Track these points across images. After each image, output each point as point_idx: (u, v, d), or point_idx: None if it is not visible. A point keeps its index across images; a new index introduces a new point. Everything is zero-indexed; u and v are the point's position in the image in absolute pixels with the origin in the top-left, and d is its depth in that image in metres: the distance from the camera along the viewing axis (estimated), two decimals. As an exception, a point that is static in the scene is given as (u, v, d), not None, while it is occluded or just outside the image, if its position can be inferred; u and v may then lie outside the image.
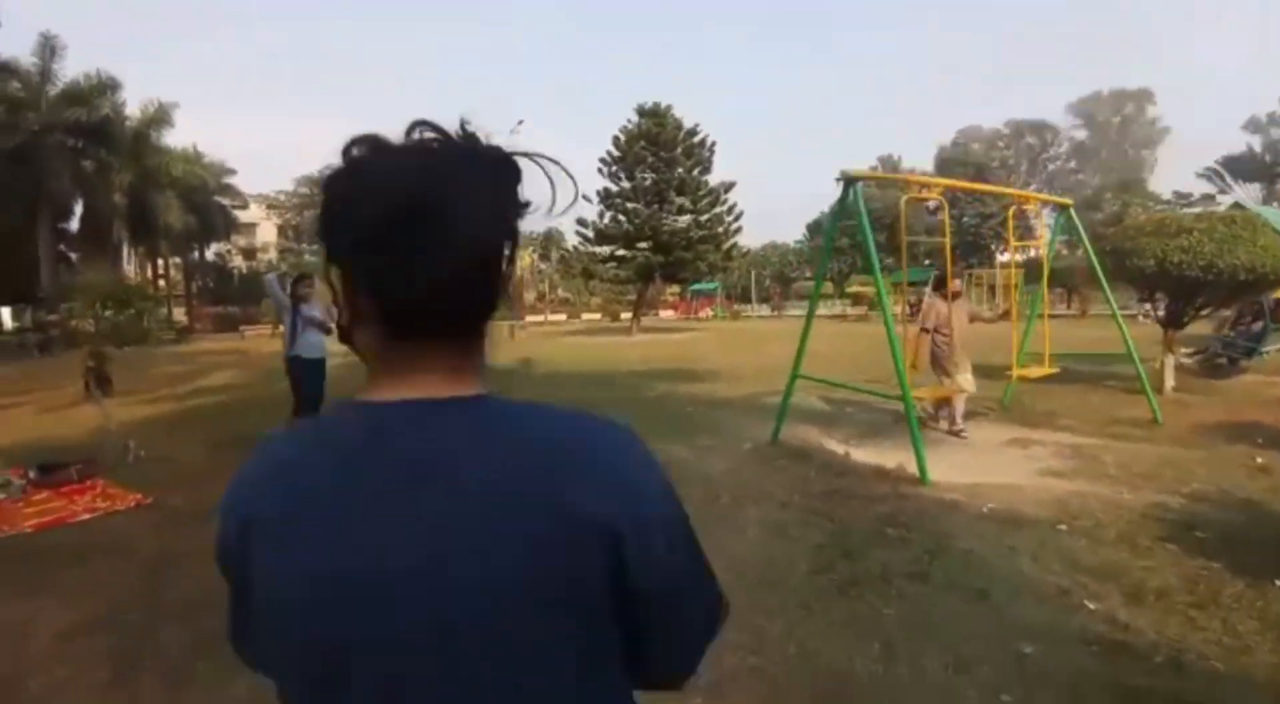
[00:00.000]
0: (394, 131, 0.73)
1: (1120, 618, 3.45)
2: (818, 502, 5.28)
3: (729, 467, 6.35)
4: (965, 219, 66.53)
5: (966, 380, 7.83)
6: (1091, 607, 3.57)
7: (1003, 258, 65.82)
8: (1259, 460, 6.38)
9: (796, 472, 6.07)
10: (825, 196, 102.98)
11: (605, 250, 31.23)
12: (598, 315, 49.94)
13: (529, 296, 56.97)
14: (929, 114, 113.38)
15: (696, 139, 30.52)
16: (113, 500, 5.88)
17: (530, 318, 45.87)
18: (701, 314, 46.64)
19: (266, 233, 64.17)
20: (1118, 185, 62.65)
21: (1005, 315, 8.68)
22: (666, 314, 49.88)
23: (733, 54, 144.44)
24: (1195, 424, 8.00)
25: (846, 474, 5.93)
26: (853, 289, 38.29)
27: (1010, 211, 10.38)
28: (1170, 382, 10.03)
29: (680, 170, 30.13)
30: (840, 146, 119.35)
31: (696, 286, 43.15)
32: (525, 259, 60.28)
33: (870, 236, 6.07)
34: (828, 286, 46.54)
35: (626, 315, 38.07)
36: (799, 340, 7.29)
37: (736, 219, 30.75)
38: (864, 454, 6.72)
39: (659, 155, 29.96)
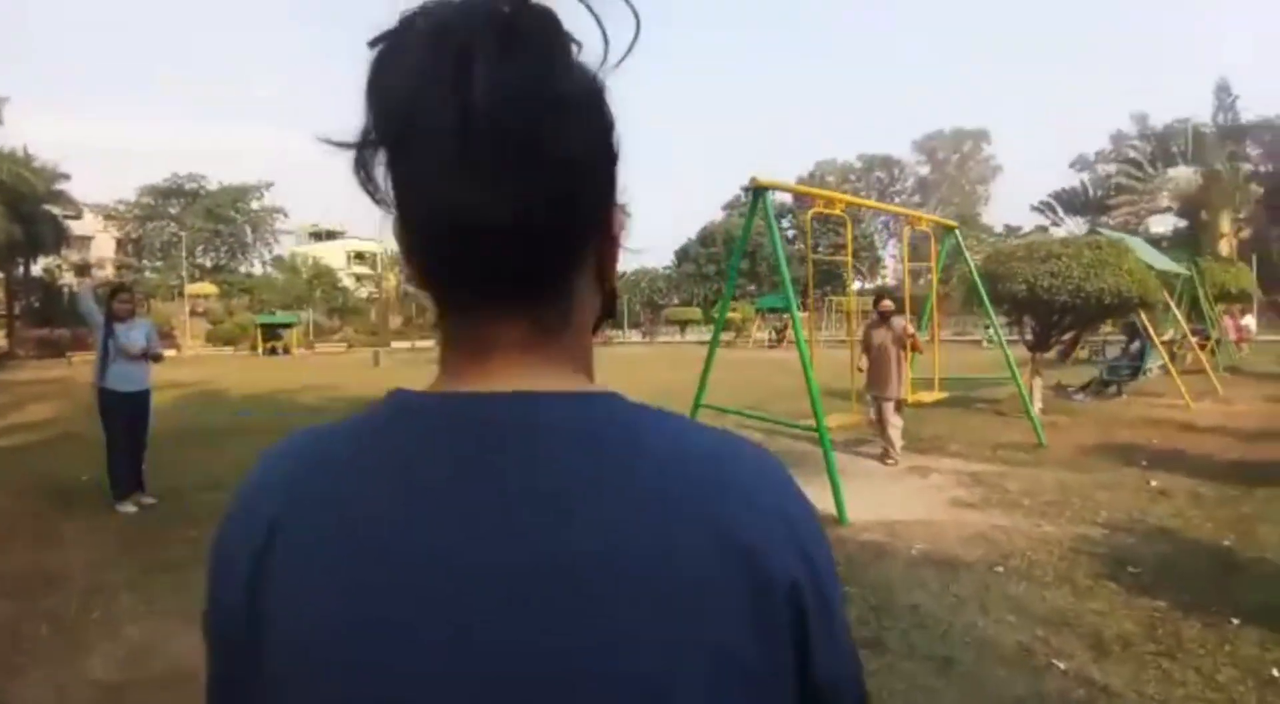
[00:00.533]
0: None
1: (1095, 677, 3.10)
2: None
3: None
4: (820, 248, 70.14)
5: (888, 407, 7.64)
6: (1061, 666, 3.20)
7: (855, 286, 70.20)
8: (1153, 484, 6.45)
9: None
10: (693, 221, 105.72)
11: None
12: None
13: (395, 320, 54.28)
14: (790, 146, 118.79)
15: None
16: None
17: (396, 343, 43.62)
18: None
19: (104, 246, 58.05)
20: (955, 218, 67.94)
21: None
22: None
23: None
24: (1076, 446, 8.17)
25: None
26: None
27: (905, 234, 10.38)
28: (1038, 404, 10.36)
29: None
30: (705, 175, 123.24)
31: None
32: (391, 280, 57.39)
33: (780, 247, 5.69)
34: (695, 312, 47.15)
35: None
36: (703, 368, 6.75)
37: None
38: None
39: None
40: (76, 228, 46.26)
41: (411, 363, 28.73)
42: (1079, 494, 6.09)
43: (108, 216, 56.80)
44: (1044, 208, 50.17)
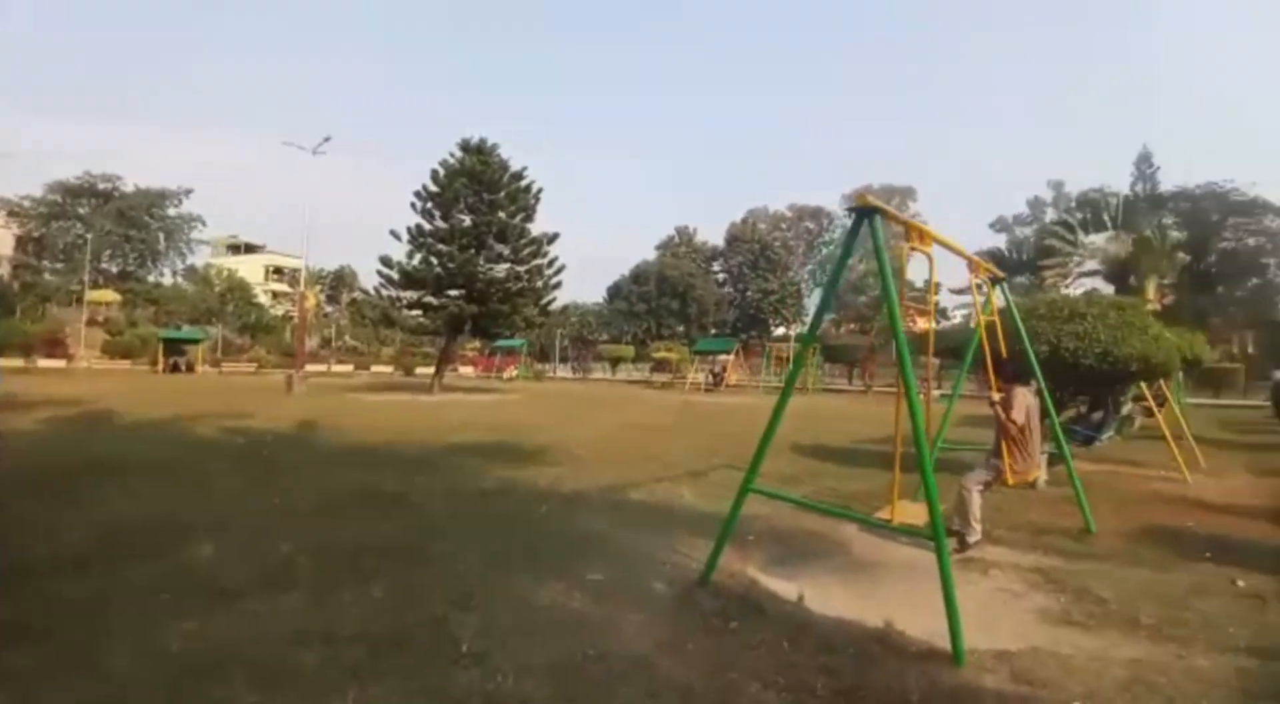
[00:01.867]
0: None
1: None
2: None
3: (656, 633, 4.11)
4: (749, 293, 70.62)
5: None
6: None
7: (778, 331, 70.97)
8: (1240, 583, 5.44)
9: (760, 642, 3.98)
10: (626, 260, 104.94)
11: (411, 295, 27.35)
12: (389, 368, 45.42)
13: (312, 342, 50.96)
14: (722, 192, 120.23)
15: (522, 183, 27.91)
16: None
17: (311, 367, 40.61)
18: (505, 373, 43.59)
19: (2, 243, 52.85)
20: (878, 272, 69.30)
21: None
22: (465, 371, 46.36)
23: (537, 113, 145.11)
24: (1119, 532, 7.11)
25: (836, 649, 3.95)
26: (659, 354, 37.64)
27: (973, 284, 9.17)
28: (1044, 475, 9.39)
29: (503, 214, 27.40)
30: (638, 214, 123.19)
31: (502, 343, 40.27)
32: (311, 299, 54.08)
33: (889, 277, 4.39)
34: (628, 350, 45.97)
35: (423, 370, 34.52)
36: (769, 422, 5.24)
37: (557, 273, 28.23)
38: (820, 597, 4.86)
39: (480, 196, 27.21)
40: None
41: (327, 390, 26.30)
42: (1178, 603, 4.94)
43: (10, 213, 51.94)
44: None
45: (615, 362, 43.86)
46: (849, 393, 34.42)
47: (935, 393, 33.00)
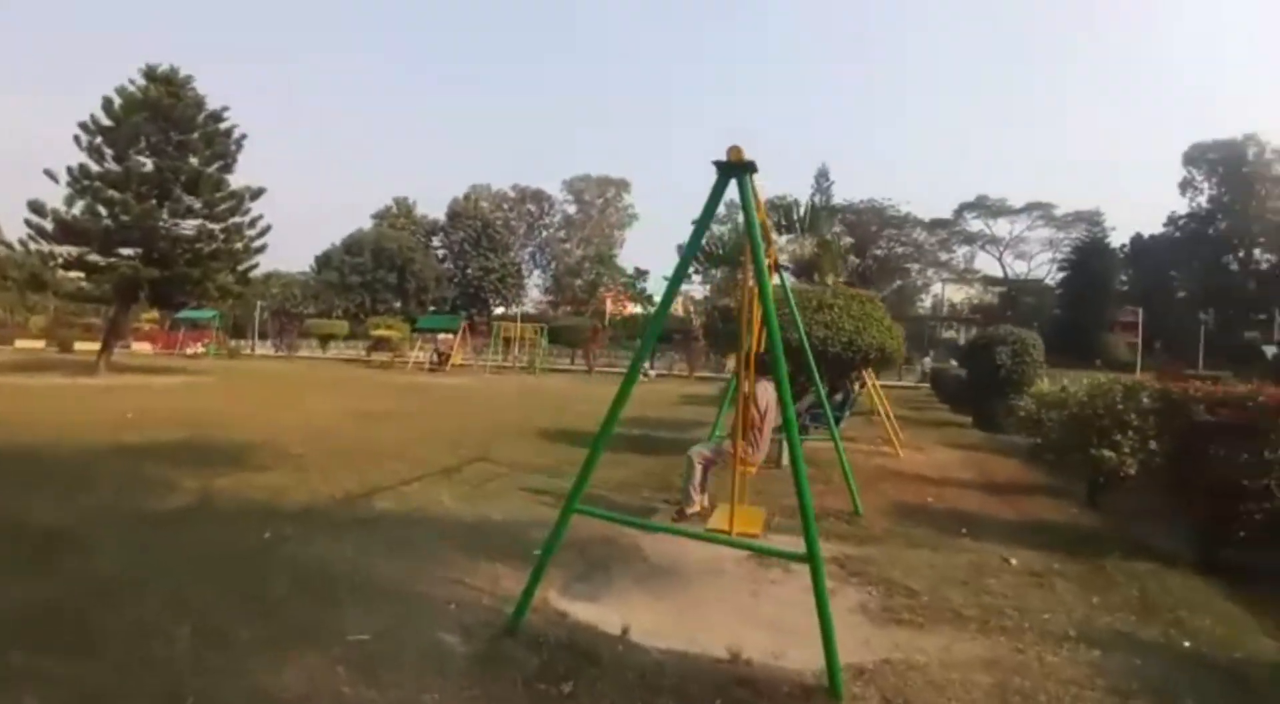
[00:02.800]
0: None
1: None
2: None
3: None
4: (470, 271, 68.56)
5: None
6: None
7: (498, 310, 70.03)
8: (1013, 562, 5.70)
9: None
10: (338, 227, 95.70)
11: (71, 252, 21.29)
12: (40, 343, 36.21)
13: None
14: (446, 166, 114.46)
15: (221, 126, 22.98)
16: None
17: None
18: (191, 350, 36.82)
19: None
20: (595, 257, 71.61)
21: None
22: (141, 347, 38.28)
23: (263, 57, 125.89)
24: (883, 511, 7.30)
25: (699, 702, 3.13)
26: (378, 331, 34.45)
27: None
28: (785, 458, 9.65)
29: (195, 160, 22.37)
30: (353, 180, 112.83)
31: (187, 314, 33.63)
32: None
33: (759, 242, 3.58)
34: (342, 326, 41.68)
35: (87, 346, 27.89)
36: (604, 421, 4.18)
37: (261, 234, 23.55)
38: (642, 621, 4.02)
39: (167, 135, 22.01)
40: None
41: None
42: (978, 588, 4.95)
43: None
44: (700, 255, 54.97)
45: (326, 339, 39.31)
46: (573, 373, 34.53)
47: (696, 375, 34.27)
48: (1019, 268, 68.30)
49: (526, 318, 41.34)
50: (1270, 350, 26.70)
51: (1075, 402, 8.74)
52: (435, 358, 31.37)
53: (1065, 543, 6.26)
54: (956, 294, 72.58)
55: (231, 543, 5.13)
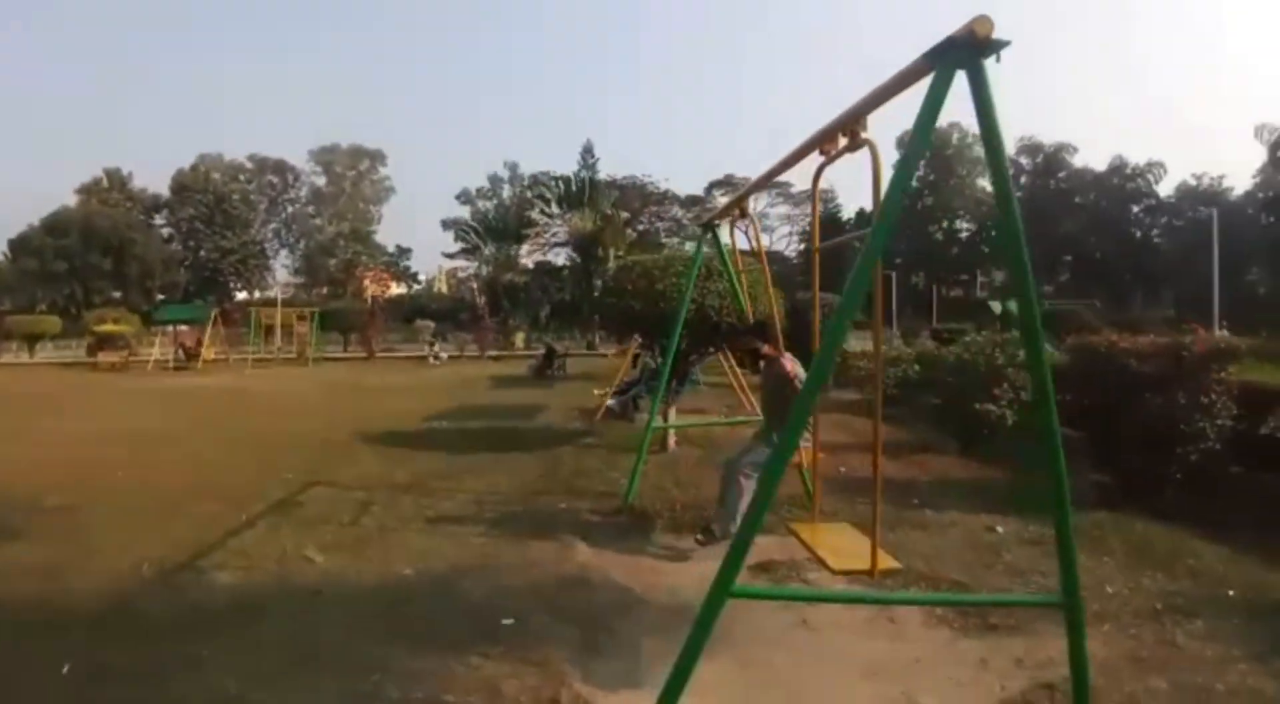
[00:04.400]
0: None
1: None
2: None
3: None
4: (204, 253, 59.22)
5: None
6: None
7: (240, 295, 61.38)
8: (1000, 530, 5.25)
9: None
10: (36, 204, 76.34)
11: None
12: None
13: None
14: (166, 132, 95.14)
15: None
16: None
17: None
18: None
19: None
20: (351, 234, 65.32)
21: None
22: None
23: None
24: (825, 492, 6.56)
25: None
26: (104, 327, 27.83)
27: None
28: (673, 439, 8.70)
29: None
30: (49, 149, 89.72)
31: None
32: None
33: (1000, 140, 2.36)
34: (52, 322, 33.30)
35: None
36: None
37: None
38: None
39: None
40: None
41: None
42: (1006, 568, 4.41)
43: None
44: (469, 230, 51.93)
45: (33, 339, 30.89)
46: (351, 361, 30.73)
47: (488, 355, 31.71)
48: (764, 241, 73.73)
49: (271, 302, 35.99)
50: (996, 307, 30.90)
51: (956, 359, 8.76)
52: (183, 355, 26.13)
53: (1010, 503, 5.91)
54: (713, 265, 76.74)
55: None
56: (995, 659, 3.35)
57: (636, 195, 62.12)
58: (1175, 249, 39.58)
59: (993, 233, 53.59)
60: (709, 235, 6.14)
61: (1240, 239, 33.25)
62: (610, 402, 10.98)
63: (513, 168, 62.10)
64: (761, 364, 5.33)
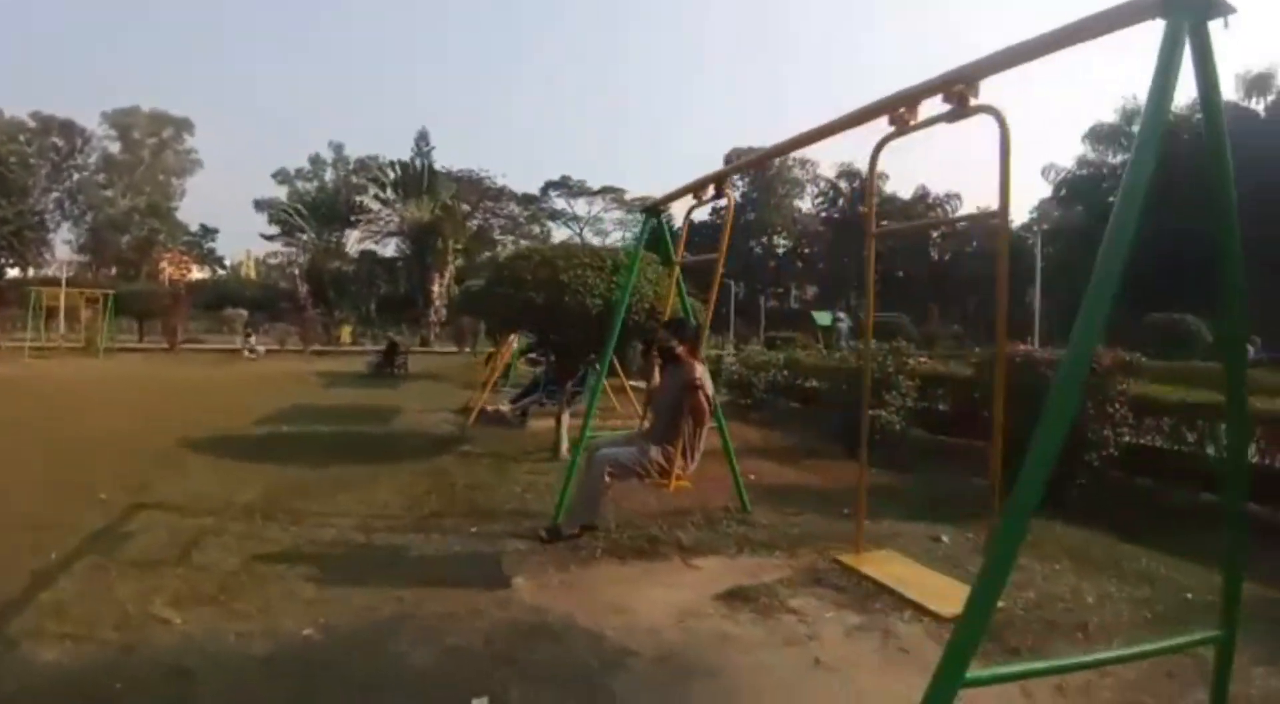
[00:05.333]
0: None
1: None
2: None
3: None
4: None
5: None
6: None
7: (12, 272, 51.44)
8: (945, 539, 5.05)
9: None
10: None
11: None
12: None
13: None
14: None
15: None
16: None
17: None
18: None
19: None
20: (148, 209, 57.34)
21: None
22: None
23: None
24: (754, 500, 6.07)
25: None
26: None
27: None
28: (565, 445, 7.90)
29: None
30: None
31: None
32: None
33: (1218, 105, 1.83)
34: None
35: None
36: None
37: None
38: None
39: None
40: None
41: None
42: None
43: None
44: (289, 213, 46.95)
45: None
46: (150, 352, 26.52)
47: (312, 350, 28.31)
48: (596, 244, 73.95)
49: (49, 282, 30.33)
50: (821, 318, 32.74)
51: (847, 365, 8.73)
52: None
53: (933, 510, 5.84)
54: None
55: None
56: (1030, 683, 3.04)
57: (473, 189, 59.56)
58: (965, 272, 44.43)
59: (805, 249, 57.74)
60: (653, 222, 5.46)
61: (1021, 265, 38.02)
62: (505, 407, 9.95)
63: (338, 149, 57.61)
64: (660, 364, 4.92)
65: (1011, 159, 2.27)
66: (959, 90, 2.36)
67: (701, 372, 4.53)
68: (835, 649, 3.35)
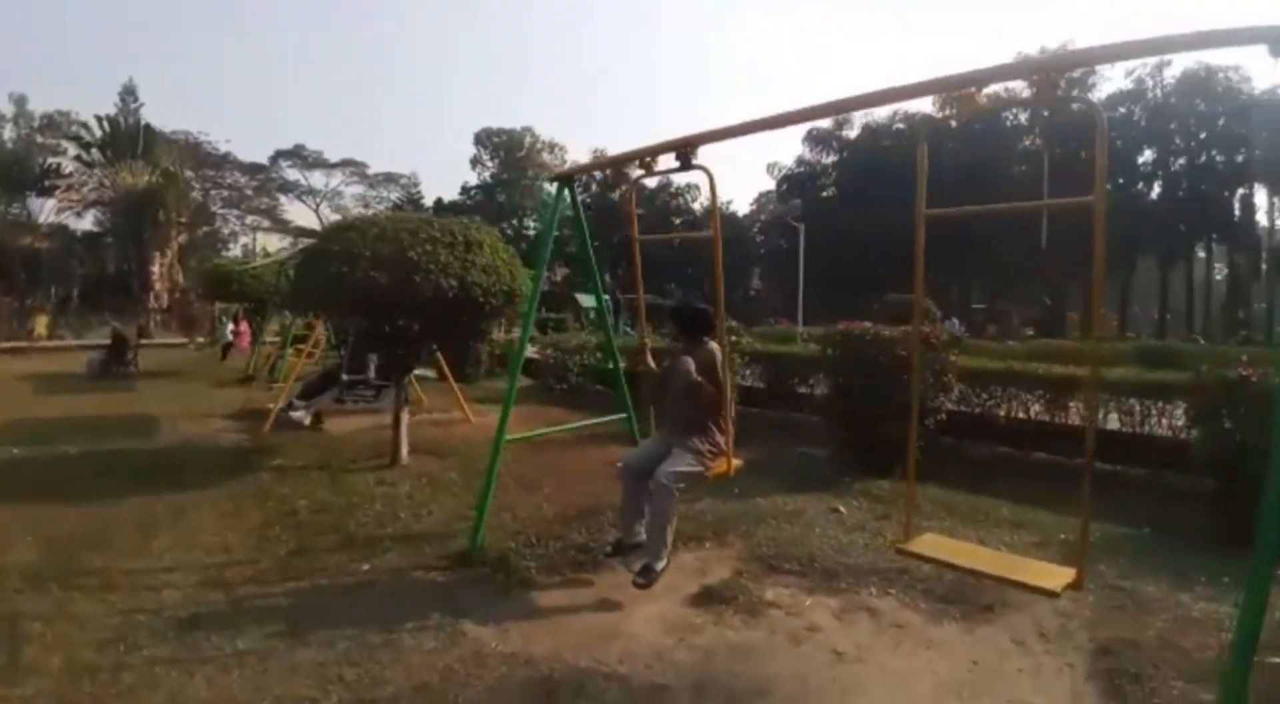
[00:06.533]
0: None
1: None
2: None
3: None
4: None
5: None
6: None
7: None
8: (843, 510, 5.20)
9: None
10: None
11: None
12: None
13: None
14: None
15: None
16: None
17: None
18: None
19: None
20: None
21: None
22: None
23: None
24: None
25: None
26: None
27: None
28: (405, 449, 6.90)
29: None
30: None
31: None
32: None
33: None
34: None
35: None
36: None
37: None
38: None
39: None
40: None
41: None
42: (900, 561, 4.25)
43: None
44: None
45: None
46: None
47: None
48: (335, 220, 67.33)
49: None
50: (583, 299, 33.02)
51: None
52: None
53: (804, 480, 6.06)
54: (271, 243, 66.86)
55: None
56: (1029, 640, 3.18)
57: (190, 155, 50.64)
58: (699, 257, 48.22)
59: (558, 232, 58.44)
60: (564, 192, 4.77)
61: (743, 251, 41.87)
62: (298, 411, 8.33)
63: (20, 102, 45.17)
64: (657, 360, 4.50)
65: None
66: (1051, 79, 2.31)
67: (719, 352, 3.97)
68: (841, 637, 3.25)
